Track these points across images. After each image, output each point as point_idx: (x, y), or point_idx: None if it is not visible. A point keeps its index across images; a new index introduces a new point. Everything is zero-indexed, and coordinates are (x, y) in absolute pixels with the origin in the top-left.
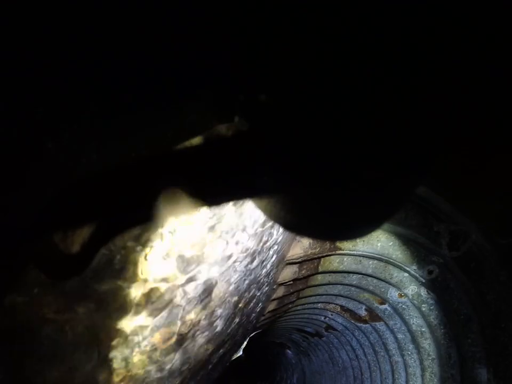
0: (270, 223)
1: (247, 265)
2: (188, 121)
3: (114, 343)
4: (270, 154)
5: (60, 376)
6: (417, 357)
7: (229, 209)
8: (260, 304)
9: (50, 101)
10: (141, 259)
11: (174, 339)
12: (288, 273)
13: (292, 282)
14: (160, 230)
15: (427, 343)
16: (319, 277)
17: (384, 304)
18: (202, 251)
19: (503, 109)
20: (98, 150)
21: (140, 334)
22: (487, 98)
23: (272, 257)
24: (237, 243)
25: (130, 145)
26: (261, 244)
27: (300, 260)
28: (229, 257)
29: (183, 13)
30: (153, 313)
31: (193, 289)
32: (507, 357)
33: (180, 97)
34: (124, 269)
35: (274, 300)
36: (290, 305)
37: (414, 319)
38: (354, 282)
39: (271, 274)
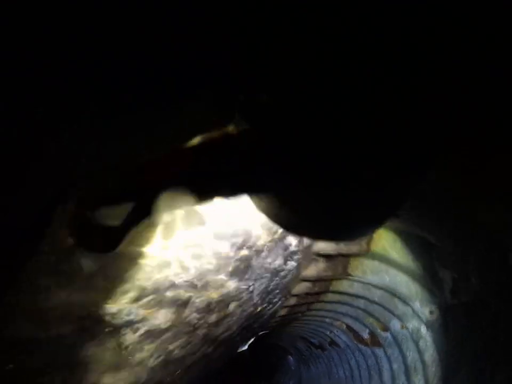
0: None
1: (276, 267)
2: (188, 121)
3: None
4: (270, 154)
5: None
6: None
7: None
8: (272, 306)
9: (50, 101)
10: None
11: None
12: (302, 287)
13: (304, 295)
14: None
15: (417, 379)
16: (330, 295)
17: (387, 331)
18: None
19: (503, 109)
20: (98, 150)
21: None
22: (487, 98)
23: (291, 270)
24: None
25: (130, 145)
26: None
27: (313, 279)
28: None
29: (183, 13)
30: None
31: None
32: None
33: (180, 97)
34: None
35: (285, 307)
36: (299, 314)
37: (411, 352)
38: (362, 306)
39: (288, 284)
